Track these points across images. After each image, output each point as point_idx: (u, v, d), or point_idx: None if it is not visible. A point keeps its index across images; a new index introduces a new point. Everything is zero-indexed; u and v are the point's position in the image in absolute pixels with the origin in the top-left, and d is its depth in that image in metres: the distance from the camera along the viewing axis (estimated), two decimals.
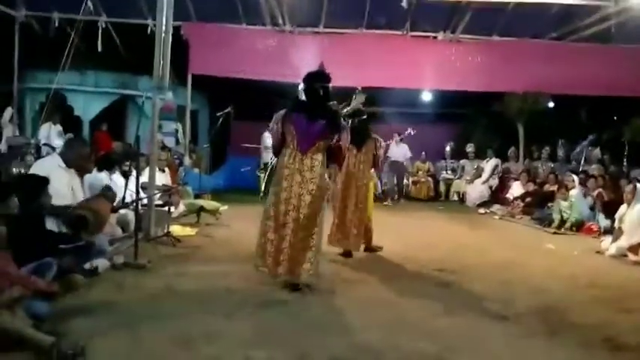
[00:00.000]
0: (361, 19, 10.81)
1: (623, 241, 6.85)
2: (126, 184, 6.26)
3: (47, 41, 10.46)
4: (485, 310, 4.27)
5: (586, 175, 10.72)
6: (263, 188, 13.29)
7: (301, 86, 4.93)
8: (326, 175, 4.75)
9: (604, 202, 8.96)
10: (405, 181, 13.55)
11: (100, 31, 10.48)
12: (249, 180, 13.78)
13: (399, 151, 12.39)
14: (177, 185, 8.52)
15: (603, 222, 8.57)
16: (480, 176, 13.06)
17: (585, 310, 4.40)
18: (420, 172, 13.92)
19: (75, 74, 12.98)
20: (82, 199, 5.17)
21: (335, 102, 4.66)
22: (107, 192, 5.90)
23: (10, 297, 3.08)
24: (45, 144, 10.45)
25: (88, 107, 14.08)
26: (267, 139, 13.22)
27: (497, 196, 12.50)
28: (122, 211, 6.30)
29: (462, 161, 14.06)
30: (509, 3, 10.16)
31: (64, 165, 5.13)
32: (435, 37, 11.32)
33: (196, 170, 11.47)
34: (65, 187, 5.02)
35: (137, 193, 5.82)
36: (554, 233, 8.65)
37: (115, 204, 6.00)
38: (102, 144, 11.73)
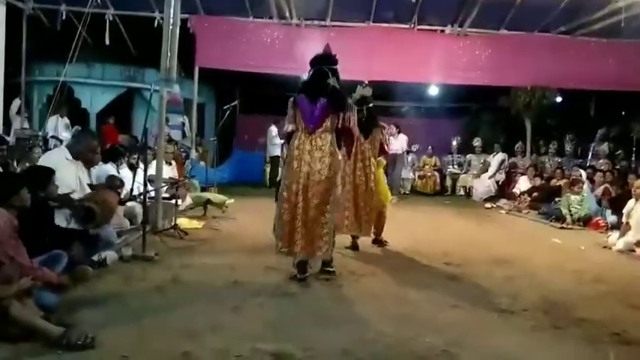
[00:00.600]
0: (368, 12, 10.77)
1: (631, 236, 6.82)
2: (133, 177, 6.29)
3: (54, 34, 10.48)
4: (491, 304, 4.26)
5: (593, 169, 10.69)
6: (269, 181, 13.40)
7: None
8: (339, 154, 4.76)
9: (611, 197, 8.93)
10: (410, 174, 13.55)
11: (107, 23, 10.48)
12: (255, 173, 13.84)
13: (397, 144, 12.31)
14: (184, 178, 8.55)
15: (610, 217, 8.54)
16: (486, 171, 13.04)
17: (592, 305, 4.38)
18: (427, 167, 13.90)
19: (82, 67, 13.04)
20: (90, 191, 5.19)
21: (334, 79, 4.63)
22: (112, 181, 5.95)
23: (20, 287, 3.10)
24: (52, 136, 10.49)
25: (95, 100, 14.14)
26: (274, 132, 13.26)
27: (503, 190, 12.49)
28: (130, 204, 6.35)
29: (469, 156, 14.03)
30: None
31: (71, 157, 5.15)
32: (442, 31, 11.27)
33: (203, 163, 11.50)
34: (73, 179, 5.04)
35: (144, 185, 5.84)
36: (561, 228, 8.62)
37: (122, 196, 6.05)
38: (109, 137, 11.77)
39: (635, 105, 12.93)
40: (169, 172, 7.95)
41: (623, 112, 14.59)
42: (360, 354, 3.14)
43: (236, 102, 11.46)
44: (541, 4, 10.42)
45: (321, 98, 4.59)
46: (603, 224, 8.51)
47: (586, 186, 9.36)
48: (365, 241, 6.32)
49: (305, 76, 5.09)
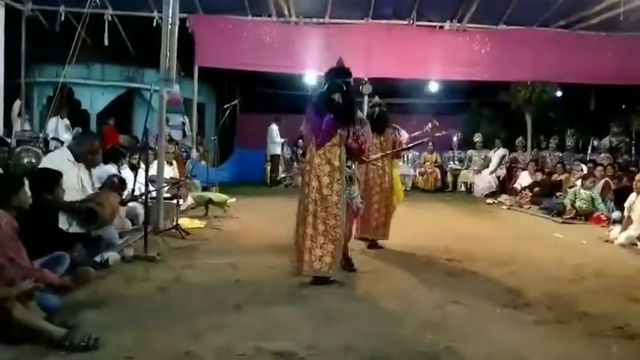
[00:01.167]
0: (367, 9, 10.74)
1: (633, 230, 6.82)
2: (135, 178, 6.29)
3: (53, 35, 10.47)
4: (493, 300, 4.27)
5: (594, 164, 10.69)
6: (270, 181, 13.41)
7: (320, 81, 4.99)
8: (353, 166, 4.79)
9: (614, 190, 8.93)
10: (411, 171, 13.56)
11: (106, 24, 10.46)
12: (256, 172, 13.84)
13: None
14: (185, 178, 8.55)
15: (612, 211, 8.54)
16: (487, 166, 13.03)
17: (594, 299, 4.39)
18: (428, 163, 13.90)
19: (82, 68, 13.05)
20: (91, 192, 5.20)
21: (339, 94, 4.61)
22: (113, 179, 5.95)
23: (22, 289, 3.11)
24: (53, 138, 10.49)
25: (95, 101, 14.16)
26: (275, 131, 13.26)
27: (505, 186, 12.49)
28: (131, 204, 6.35)
29: (469, 152, 14.03)
30: None
31: (72, 159, 5.16)
32: (441, 27, 11.22)
33: (204, 163, 11.50)
34: (74, 180, 5.06)
35: (146, 186, 5.85)
36: (563, 223, 8.62)
37: (124, 197, 6.05)
38: (109, 138, 11.78)
39: (635, 98, 12.92)
40: (170, 172, 7.96)
41: (624, 106, 14.58)
42: (362, 351, 3.15)
43: (236, 101, 11.45)
44: None
45: (328, 113, 4.58)
46: (605, 218, 8.51)
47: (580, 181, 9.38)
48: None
49: (317, 84, 5.11)
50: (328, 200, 4.51)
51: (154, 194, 6.52)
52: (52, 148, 9.15)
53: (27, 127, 11.00)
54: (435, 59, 11.12)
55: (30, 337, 3.00)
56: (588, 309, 4.07)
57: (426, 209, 10.07)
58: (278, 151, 13.58)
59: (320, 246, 4.51)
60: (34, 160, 6.81)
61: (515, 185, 11.90)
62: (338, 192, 4.54)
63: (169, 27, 6.73)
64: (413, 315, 3.86)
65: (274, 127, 13.39)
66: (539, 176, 11.52)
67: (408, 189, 12.95)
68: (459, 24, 10.98)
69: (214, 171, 10.34)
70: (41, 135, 10.06)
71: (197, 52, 10.72)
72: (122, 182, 6.34)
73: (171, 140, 10.08)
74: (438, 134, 6.57)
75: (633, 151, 12.74)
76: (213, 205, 8.17)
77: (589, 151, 12.84)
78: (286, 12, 10.78)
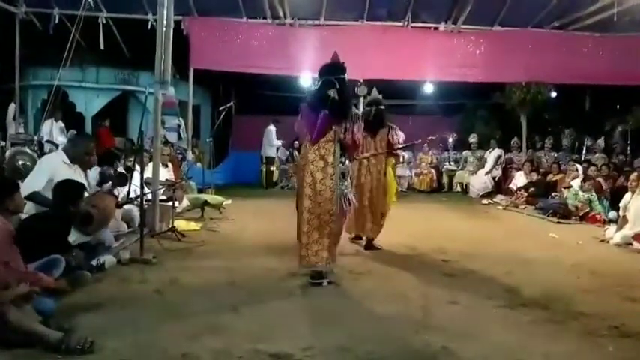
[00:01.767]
0: (362, 11, 10.75)
1: (628, 230, 6.84)
2: (130, 180, 6.27)
3: (48, 38, 10.44)
4: (489, 300, 4.28)
5: (589, 164, 10.73)
6: (265, 183, 13.40)
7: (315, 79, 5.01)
8: (347, 162, 4.78)
9: (609, 190, 8.97)
10: (407, 172, 13.58)
11: (100, 27, 10.44)
12: (252, 174, 13.83)
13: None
14: (181, 180, 8.54)
15: (607, 211, 8.58)
16: (483, 167, 13.06)
17: (590, 298, 4.40)
18: (423, 164, 13.92)
19: (76, 70, 13.01)
20: (86, 194, 5.19)
21: (334, 90, 4.61)
22: (106, 173, 5.96)
23: (17, 293, 3.10)
24: (48, 141, 10.45)
25: (89, 103, 14.13)
26: (272, 133, 13.24)
27: (500, 186, 12.53)
28: (127, 207, 6.33)
29: (465, 152, 14.07)
30: None
31: (68, 161, 5.15)
32: (436, 29, 11.25)
33: (199, 165, 11.49)
34: None
35: (141, 188, 5.83)
36: (558, 222, 8.64)
37: (119, 200, 6.04)
38: (104, 140, 11.74)
39: (630, 98, 12.97)
40: (166, 174, 7.94)
41: (618, 106, 14.64)
42: (358, 352, 3.15)
43: (231, 103, 11.41)
44: None
45: (323, 110, 4.59)
46: (599, 218, 8.54)
47: (578, 181, 9.41)
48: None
49: (311, 83, 5.14)
50: (322, 196, 4.55)
51: (149, 197, 6.51)
52: (47, 151, 9.12)
53: (21, 130, 10.96)
54: (430, 60, 11.15)
55: (26, 340, 2.99)
56: (584, 308, 4.08)
57: (422, 210, 10.09)
58: (273, 153, 13.57)
59: (315, 241, 4.55)
60: (28, 163, 6.81)
61: (510, 186, 11.94)
62: (331, 187, 4.57)
63: (164, 29, 6.72)
64: (409, 315, 3.87)
65: (272, 129, 13.37)
66: (534, 177, 11.56)
67: (404, 190, 12.98)
68: (453, 25, 11.00)
69: (210, 173, 10.34)
70: (36, 138, 10.02)
71: (192, 54, 10.70)
72: (122, 176, 6.33)
73: (166, 142, 10.06)
74: (431, 138, 6.59)
75: (628, 151, 12.78)
76: (209, 208, 8.16)
77: (583, 152, 12.89)
78: (281, 14, 10.78)
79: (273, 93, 15.76)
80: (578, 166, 10.47)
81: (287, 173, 13.74)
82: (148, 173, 6.83)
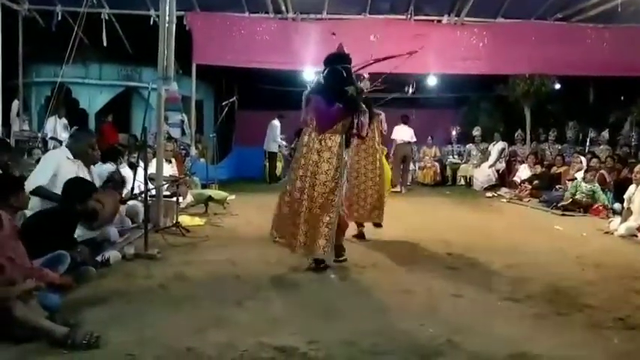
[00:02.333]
0: (364, 4, 10.72)
1: (633, 221, 6.82)
2: (134, 176, 6.29)
3: (50, 35, 10.46)
4: (494, 293, 4.28)
5: (592, 155, 10.70)
6: (269, 177, 13.40)
7: (319, 71, 5.05)
8: (345, 155, 4.86)
9: (614, 182, 8.94)
10: (411, 166, 13.56)
11: (103, 23, 10.45)
12: (256, 169, 13.84)
13: (407, 133, 12.32)
14: (185, 176, 8.55)
15: (611, 202, 8.56)
16: (486, 160, 13.03)
17: (595, 291, 4.39)
18: (427, 157, 13.90)
19: (79, 67, 13.03)
20: None
21: (353, 86, 4.71)
22: (114, 175, 5.96)
23: (24, 289, 3.11)
24: (52, 137, 10.49)
25: (93, 100, 14.16)
26: (277, 129, 13.22)
27: (504, 179, 12.51)
28: (131, 203, 6.34)
29: (468, 145, 14.04)
30: None
31: (71, 157, 5.16)
32: (439, 21, 11.21)
33: (203, 160, 11.50)
34: None
35: (145, 184, 5.84)
36: (562, 215, 8.62)
37: (123, 195, 6.06)
38: (108, 136, 11.77)
39: (634, 90, 12.91)
40: (169, 169, 7.95)
41: (622, 98, 14.57)
42: (363, 345, 3.15)
43: (234, 98, 11.42)
44: None
45: (337, 103, 4.64)
46: (603, 210, 8.51)
47: (582, 173, 9.39)
48: (368, 231, 6.38)
49: (315, 75, 5.22)
50: (326, 186, 4.60)
51: (153, 192, 6.52)
52: (51, 148, 9.15)
53: (25, 127, 11.00)
54: (433, 53, 11.10)
55: (32, 336, 3.00)
56: (589, 301, 4.07)
57: (426, 203, 10.08)
58: (276, 148, 13.56)
59: (315, 229, 4.59)
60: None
61: (514, 178, 11.92)
62: (335, 178, 4.63)
63: (166, 25, 6.72)
64: (413, 308, 3.87)
65: (277, 124, 13.35)
66: (538, 169, 11.54)
67: (409, 183, 12.95)
68: (456, 18, 10.97)
69: (213, 168, 10.34)
70: (39, 135, 10.06)
71: (195, 49, 10.70)
72: (122, 181, 6.34)
73: (170, 138, 10.08)
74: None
75: (633, 143, 12.73)
76: (213, 203, 8.18)
77: (587, 143, 12.85)
78: (283, 8, 10.77)
79: (276, 87, 15.74)
80: (583, 158, 10.43)
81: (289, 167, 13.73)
82: (152, 169, 6.85)
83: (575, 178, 9.39)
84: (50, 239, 4.01)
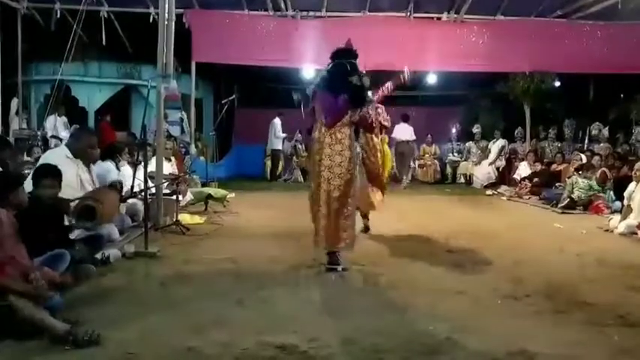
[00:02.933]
0: (364, 1, 10.71)
1: (633, 219, 6.82)
2: (134, 174, 6.29)
3: (50, 33, 10.44)
4: (494, 291, 4.27)
5: (592, 153, 10.70)
6: (270, 175, 13.41)
7: (319, 69, 5.13)
8: (357, 146, 4.96)
9: (614, 179, 8.94)
10: (411, 163, 13.57)
11: (102, 21, 10.43)
12: (255, 167, 13.84)
13: (407, 131, 12.35)
14: (184, 174, 8.55)
15: (612, 201, 8.56)
16: (486, 157, 13.03)
17: (595, 288, 4.39)
18: (427, 155, 13.90)
19: (78, 65, 13.01)
20: (91, 189, 5.20)
21: (357, 77, 4.73)
22: (116, 185, 5.96)
23: (33, 291, 3.11)
24: (52, 136, 10.48)
25: (92, 98, 14.13)
26: (278, 126, 13.23)
27: (504, 177, 12.51)
28: (131, 201, 6.34)
29: (468, 143, 14.05)
30: None
31: (71, 156, 5.16)
32: (438, 19, 11.20)
33: (202, 158, 11.49)
34: (74, 177, 5.05)
35: (145, 182, 5.84)
36: (562, 213, 8.63)
37: (123, 194, 6.05)
38: (106, 134, 11.74)
39: (634, 87, 12.90)
40: (169, 168, 7.95)
41: (622, 95, 14.55)
42: (364, 343, 3.15)
43: (234, 96, 11.41)
44: None
45: (343, 94, 4.67)
46: (603, 207, 8.51)
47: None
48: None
49: (320, 70, 5.28)
50: (342, 179, 4.66)
51: (153, 190, 6.52)
52: (52, 146, 9.14)
53: (24, 125, 10.99)
54: (433, 51, 11.09)
55: (33, 332, 3.00)
56: (589, 298, 4.08)
57: (426, 201, 10.09)
58: (280, 145, 13.57)
59: (334, 222, 4.66)
60: None
61: (514, 176, 11.92)
62: (350, 170, 4.69)
63: (166, 23, 6.71)
64: (414, 306, 3.87)
65: (278, 122, 13.36)
66: (538, 167, 11.54)
67: (409, 181, 12.95)
68: (456, 15, 10.95)
69: (213, 166, 10.34)
70: (39, 133, 10.05)
71: (194, 47, 10.68)
72: (120, 185, 6.33)
73: (169, 136, 10.07)
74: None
75: (632, 140, 12.71)
76: (213, 201, 8.18)
77: (586, 141, 12.84)
78: (283, 6, 10.75)
79: (275, 85, 15.74)
80: (582, 156, 10.43)
81: (290, 166, 13.73)
82: (152, 167, 6.84)
83: (574, 175, 9.38)
84: (37, 234, 3.88)
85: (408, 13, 10.93)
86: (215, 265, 4.93)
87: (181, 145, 11.15)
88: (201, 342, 3.12)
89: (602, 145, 12.03)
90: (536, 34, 10.91)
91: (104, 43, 10.68)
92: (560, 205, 8.90)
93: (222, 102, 10.36)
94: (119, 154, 7.15)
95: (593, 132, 12.71)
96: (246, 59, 11.23)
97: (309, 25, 10.95)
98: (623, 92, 14.44)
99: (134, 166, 6.70)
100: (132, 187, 6.25)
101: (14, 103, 10.87)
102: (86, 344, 2.96)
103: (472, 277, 4.71)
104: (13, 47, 10.25)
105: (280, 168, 13.77)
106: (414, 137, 12.76)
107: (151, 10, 10.03)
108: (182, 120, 12.02)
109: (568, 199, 8.87)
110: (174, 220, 6.59)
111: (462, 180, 13.60)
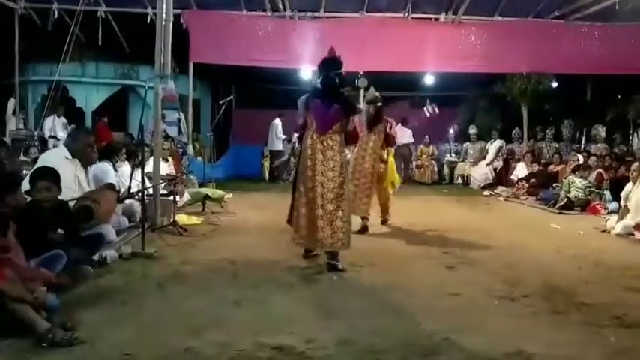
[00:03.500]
0: (362, 2, 10.72)
1: (629, 219, 6.83)
2: (131, 175, 6.28)
3: (47, 33, 10.43)
4: (491, 291, 4.28)
5: (588, 154, 10.72)
6: (269, 176, 13.40)
7: (315, 72, 5.53)
8: (346, 152, 5.22)
9: (610, 180, 8.96)
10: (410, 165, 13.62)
11: (99, 21, 10.42)
12: (253, 168, 13.83)
13: (406, 134, 12.42)
14: (182, 174, 8.54)
15: (608, 202, 8.58)
16: (483, 158, 13.05)
17: (592, 289, 4.40)
18: (424, 156, 13.91)
19: (76, 65, 12.99)
20: (88, 190, 5.19)
21: (349, 88, 5.09)
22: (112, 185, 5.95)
23: (35, 300, 3.11)
24: (51, 137, 10.46)
25: (89, 98, 14.11)
26: (279, 127, 13.22)
27: (501, 177, 12.53)
28: (128, 202, 6.33)
29: (466, 144, 14.06)
30: None
31: (70, 156, 5.15)
32: (436, 19, 11.21)
33: (200, 159, 11.49)
34: (72, 178, 5.05)
35: (142, 183, 5.83)
36: (559, 213, 8.64)
37: (120, 194, 6.04)
38: (102, 135, 11.73)
39: (631, 88, 12.93)
40: (166, 168, 7.94)
41: (619, 96, 14.58)
42: (361, 344, 3.15)
43: (232, 97, 11.41)
44: None
45: (335, 104, 4.92)
46: (600, 208, 8.53)
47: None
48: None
49: (313, 79, 5.59)
50: (335, 181, 4.87)
51: (150, 191, 6.50)
52: (51, 147, 9.12)
53: (21, 126, 10.97)
54: (431, 52, 11.11)
55: (21, 323, 3.01)
56: (586, 299, 4.08)
57: (424, 202, 10.10)
58: (280, 146, 13.57)
59: (330, 224, 4.83)
60: None
61: (511, 177, 11.95)
62: (342, 174, 4.92)
63: (163, 23, 6.70)
64: (411, 307, 3.87)
65: (278, 123, 13.36)
66: (535, 167, 11.56)
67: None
68: (454, 16, 10.96)
69: (211, 167, 10.34)
70: (36, 133, 10.03)
71: (192, 48, 10.68)
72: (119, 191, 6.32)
73: (167, 137, 10.07)
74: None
75: (630, 141, 12.75)
76: (210, 201, 8.17)
77: (583, 142, 12.87)
78: (281, 6, 10.76)
79: (273, 86, 15.74)
80: (580, 157, 10.46)
81: (289, 167, 13.73)
82: (149, 168, 6.83)
83: (571, 175, 9.40)
84: (33, 236, 3.88)
85: (406, 14, 10.94)
86: (212, 266, 4.93)
87: (179, 146, 11.14)
88: (198, 343, 3.11)
89: (599, 145, 12.05)
90: (533, 35, 10.93)
91: (101, 43, 10.66)
92: (557, 206, 8.93)
93: (220, 102, 10.35)
94: (116, 154, 7.15)
95: (592, 132, 12.74)
96: (244, 60, 11.23)
97: (307, 26, 10.96)
98: (621, 93, 14.46)
99: (135, 166, 6.70)
100: (129, 187, 6.24)
101: (11, 103, 10.85)
102: (66, 344, 2.95)
103: (469, 278, 4.71)
104: (10, 47, 10.24)
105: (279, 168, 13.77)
106: (412, 140, 12.82)
107: (149, 10, 10.03)
108: (180, 120, 12.01)
109: (565, 200, 8.88)
110: (172, 220, 6.57)
111: (460, 181, 13.61)
